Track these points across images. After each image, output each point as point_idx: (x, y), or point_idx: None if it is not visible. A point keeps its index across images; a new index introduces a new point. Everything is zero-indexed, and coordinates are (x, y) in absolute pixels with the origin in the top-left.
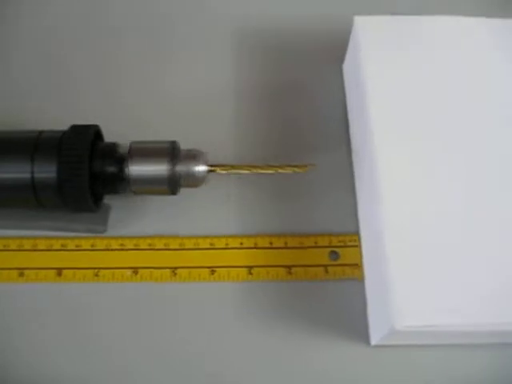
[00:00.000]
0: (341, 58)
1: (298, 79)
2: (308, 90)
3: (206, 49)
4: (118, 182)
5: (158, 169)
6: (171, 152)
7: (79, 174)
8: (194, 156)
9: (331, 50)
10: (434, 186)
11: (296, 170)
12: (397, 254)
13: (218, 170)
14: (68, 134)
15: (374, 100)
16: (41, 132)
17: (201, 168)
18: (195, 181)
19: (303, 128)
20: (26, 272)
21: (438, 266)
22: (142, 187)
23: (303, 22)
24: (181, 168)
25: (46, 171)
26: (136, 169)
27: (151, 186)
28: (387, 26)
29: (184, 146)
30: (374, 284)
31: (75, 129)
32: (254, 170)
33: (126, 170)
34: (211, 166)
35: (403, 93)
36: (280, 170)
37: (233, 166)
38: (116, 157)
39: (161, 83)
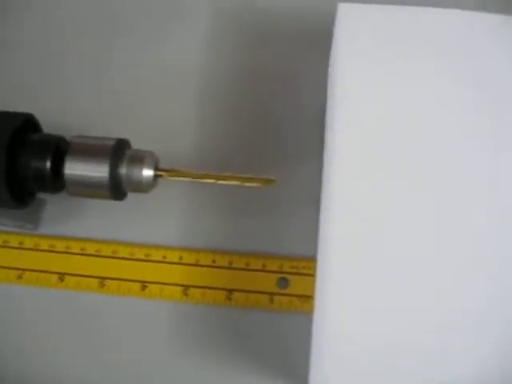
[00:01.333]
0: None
1: (278, 70)
2: (288, 84)
3: (177, 29)
4: (53, 180)
5: (96, 170)
6: (114, 152)
7: None
8: (140, 158)
9: (324, 38)
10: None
11: (256, 183)
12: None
13: (166, 176)
14: None
15: (341, 118)
16: None
17: (146, 173)
18: (140, 186)
19: (275, 128)
20: None
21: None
22: (79, 189)
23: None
24: (123, 171)
25: None
26: (72, 168)
27: (89, 188)
28: (376, 17)
29: (144, 140)
30: (316, 327)
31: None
32: (208, 180)
33: (62, 168)
34: (159, 170)
35: (379, 115)
36: (236, 182)
37: (184, 173)
38: (50, 151)
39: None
